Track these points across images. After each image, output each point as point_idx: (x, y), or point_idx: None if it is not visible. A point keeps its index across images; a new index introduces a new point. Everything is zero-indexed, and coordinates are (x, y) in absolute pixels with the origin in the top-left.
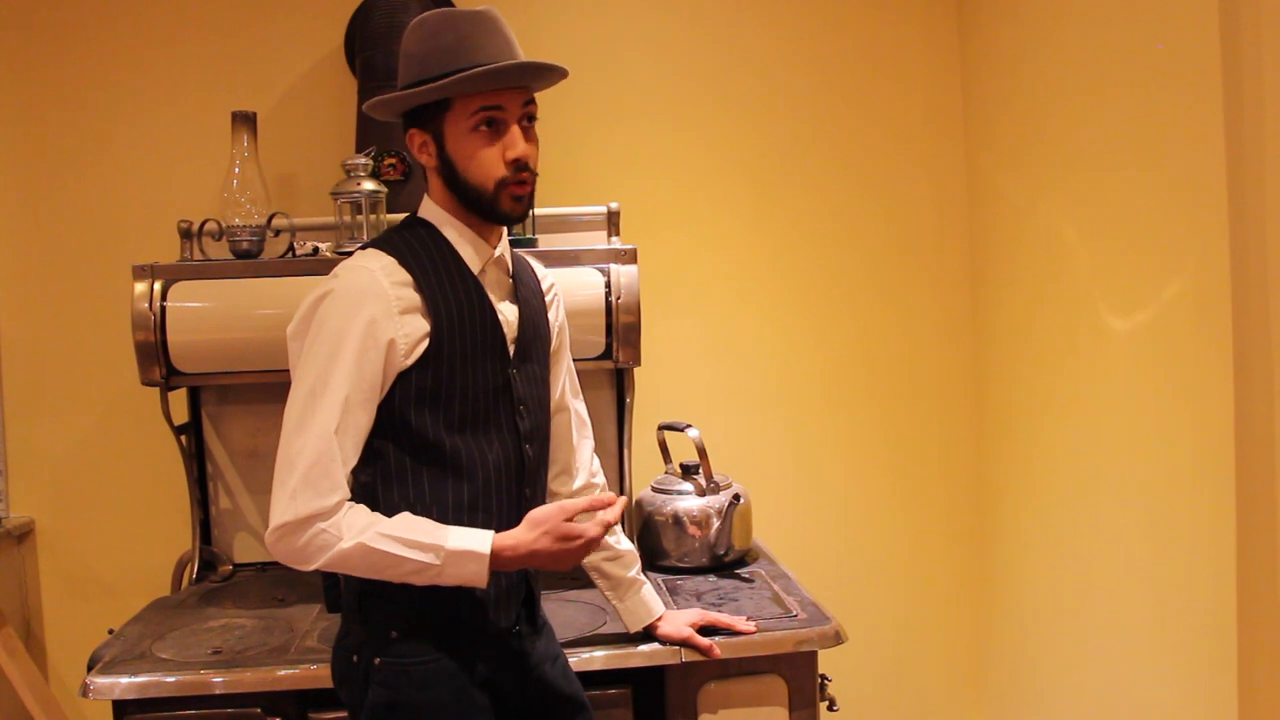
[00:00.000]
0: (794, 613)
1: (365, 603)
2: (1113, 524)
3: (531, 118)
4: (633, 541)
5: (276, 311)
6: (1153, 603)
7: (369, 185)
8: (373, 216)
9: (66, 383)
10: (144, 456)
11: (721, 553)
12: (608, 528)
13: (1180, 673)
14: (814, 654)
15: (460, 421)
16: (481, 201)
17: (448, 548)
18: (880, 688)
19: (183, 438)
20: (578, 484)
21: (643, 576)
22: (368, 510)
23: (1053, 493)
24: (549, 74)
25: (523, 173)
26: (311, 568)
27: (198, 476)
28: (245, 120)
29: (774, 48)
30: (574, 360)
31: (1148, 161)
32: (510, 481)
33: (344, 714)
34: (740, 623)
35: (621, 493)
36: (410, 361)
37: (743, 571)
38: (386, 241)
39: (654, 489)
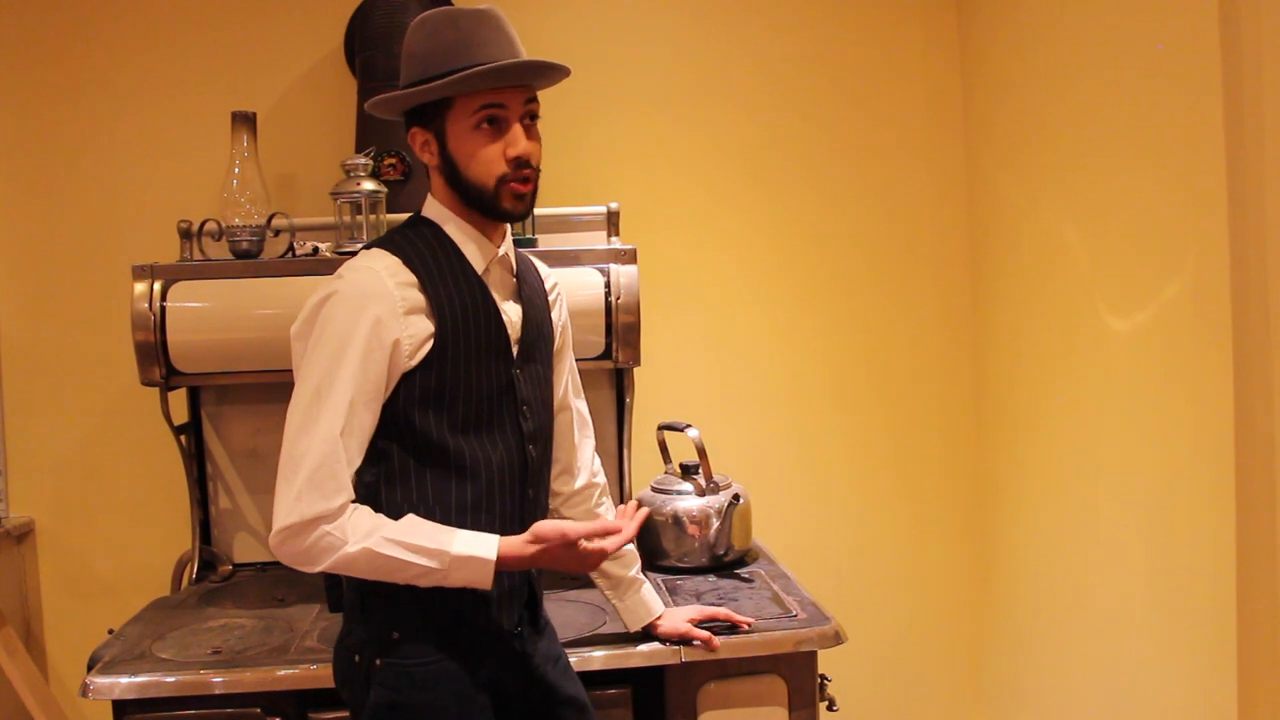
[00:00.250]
0: (793, 613)
1: (367, 603)
2: (1112, 524)
3: (534, 116)
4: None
5: (276, 311)
6: (1153, 602)
7: (369, 185)
8: (372, 216)
9: (66, 383)
10: (144, 456)
11: (721, 553)
12: (617, 548)
13: (1180, 673)
14: (814, 654)
15: (464, 422)
16: (483, 200)
17: (452, 553)
18: (880, 688)
19: (182, 438)
20: (579, 483)
21: (642, 576)
22: (372, 512)
23: (1052, 492)
24: (551, 72)
25: (524, 170)
26: (317, 570)
27: (197, 476)
28: (245, 120)
29: (774, 45)
30: (574, 360)
31: (1147, 160)
32: (514, 482)
33: (344, 714)
34: (738, 616)
35: (621, 492)
36: (415, 362)
37: (742, 571)
38: (390, 241)
39: (654, 489)
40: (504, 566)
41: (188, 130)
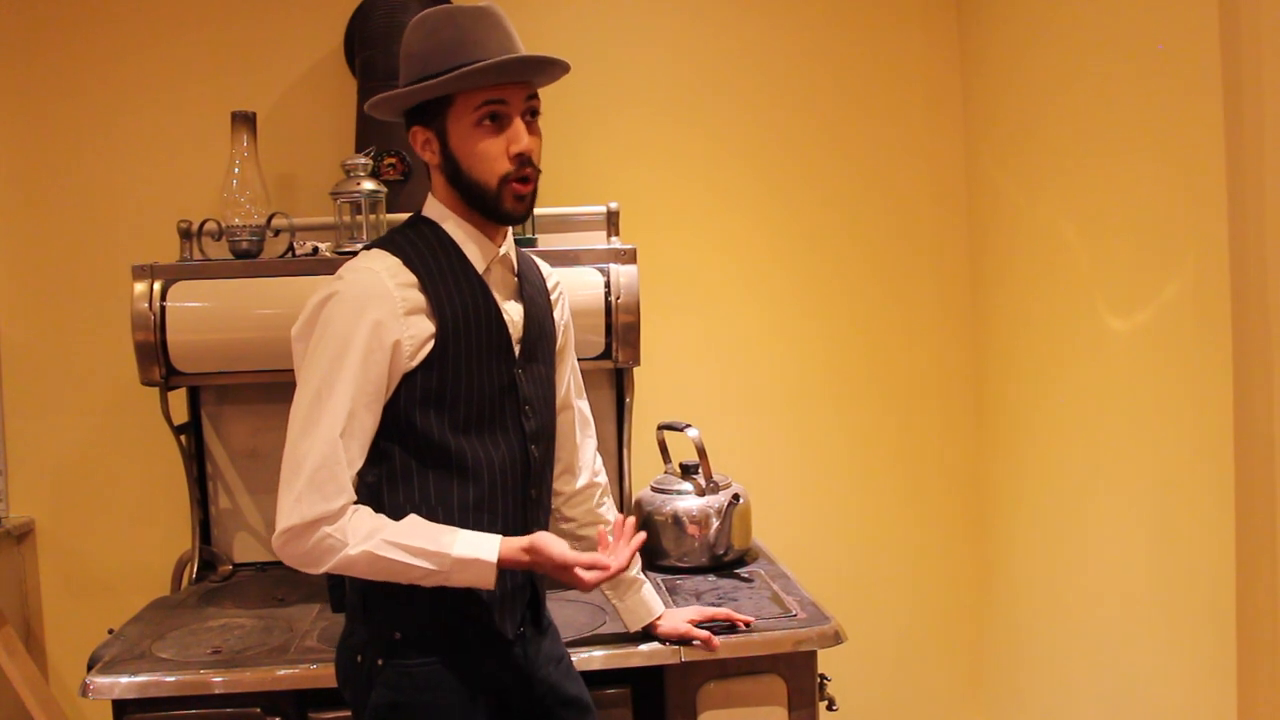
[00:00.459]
0: (793, 612)
1: (369, 603)
2: (1112, 523)
3: (534, 113)
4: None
5: (276, 311)
6: (1152, 602)
7: (369, 185)
8: (372, 216)
9: (66, 383)
10: (144, 456)
11: (721, 552)
12: (612, 576)
13: (1180, 673)
14: (813, 653)
15: (466, 422)
16: (485, 198)
17: (454, 555)
18: (880, 687)
19: (182, 438)
20: (580, 483)
21: (642, 576)
22: (372, 513)
23: (1052, 492)
24: (551, 68)
25: (526, 168)
26: (319, 571)
27: (197, 476)
28: (245, 120)
29: (774, 45)
30: (576, 359)
31: (1147, 159)
32: (516, 482)
33: (344, 713)
34: (739, 615)
35: (621, 492)
36: (415, 363)
37: (742, 571)
38: (391, 241)
39: (653, 489)
40: (504, 566)
41: (188, 130)
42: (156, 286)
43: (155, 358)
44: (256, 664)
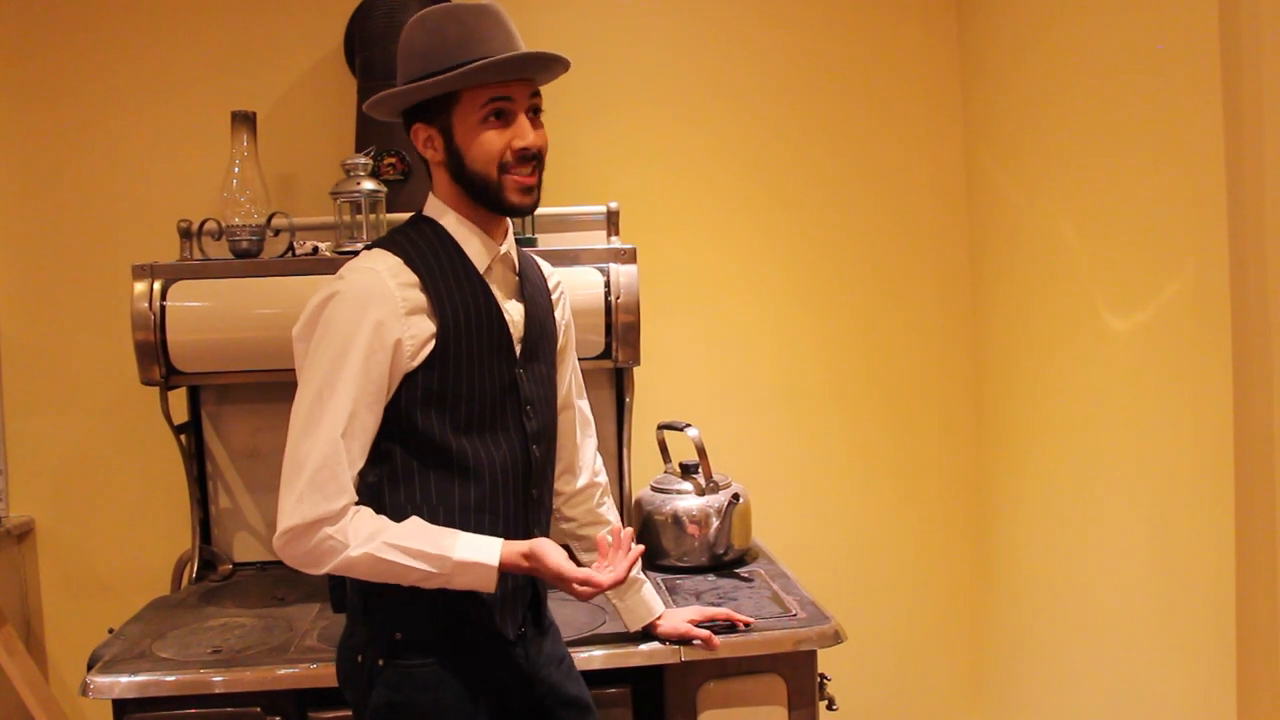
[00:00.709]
0: (793, 612)
1: (370, 604)
2: (1112, 523)
3: (537, 110)
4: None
5: (276, 311)
6: (1152, 602)
7: (369, 185)
8: (372, 216)
9: (66, 382)
10: (144, 456)
11: (721, 552)
12: (610, 587)
13: (1180, 673)
14: (813, 653)
15: (467, 423)
16: (488, 192)
17: (455, 559)
18: (880, 687)
19: (182, 437)
20: (580, 483)
21: (642, 576)
22: (374, 514)
23: (1052, 491)
24: (554, 64)
25: (530, 162)
26: (320, 572)
27: (197, 476)
28: (245, 120)
29: (774, 45)
30: (577, 359)
31: (1147, 159)
32: (517, 482)
33: (344, 713)
34: (739, 615)
35: (621, 492)
36: (416, 363)
37: (742, 571)
38: (392, 241)
39: (653, 488)
40: (504, 569)
41: (188, 130)
42: (156, 286)
43: (155, 357)
44: (257, 663)
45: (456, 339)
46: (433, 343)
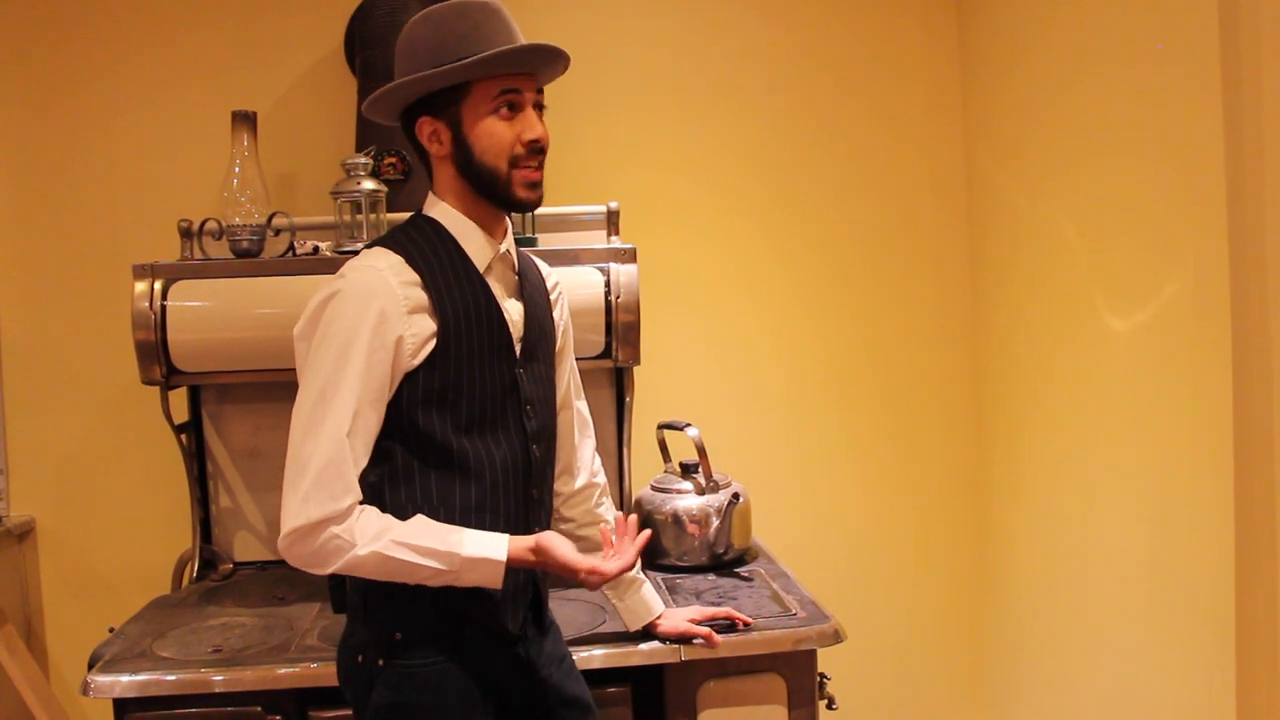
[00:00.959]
0: (793, 611)
1: (370, 603)
2: (1112, 523)
3: (541, 106)
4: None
5: (276, 311)
6: (1152, 601)
7: (369, 184)
8: (372, 216)
9: (67, 382)
10: (144, 455)
11: (721, 551)
12: (618, 573)
13: (1180, 672)
14: (813, 652)
15: (468, 422)
16: (496, 184)
17: (463, 555)
18: (880, 686)
19: (183, 436)
20: (579, 483)
21: (642, 575)
22: (380, 513)
23: (1052, 491)
24: (560, 61)
25: (538, 155)
26: (326, 572)
27: (198, 475)
28: (245, 119)
29: (774, 45)
30: (575, 360)
31: (1147, 160)
32: (518, 482)
33: (344, 712)
34: (739, 615)
35: (621, 491)
36: (417, 361)
37: (742, 570)
38: (393, 240)
39: (653, 488)
40: (511, 565)
41: (188, 129)
42: (157, 286)
43: (156, 357)
44: (257, 663)
45: (457, 338)
46: (433, 341)
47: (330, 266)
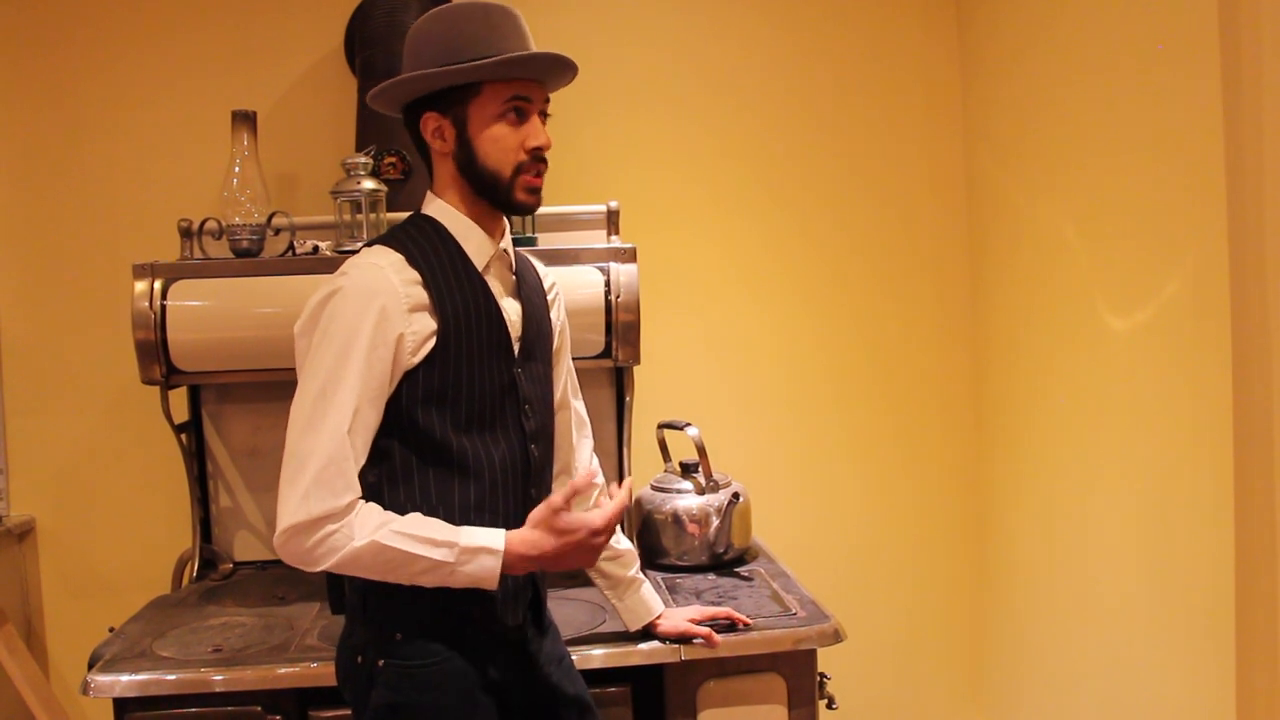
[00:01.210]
0: (793, 611)
1: (369, 603)
2: (1112, 523)
3: (545, 115)
4: (632, 540)
5: (277, 310)
6: (1152, 601)
7: (369, 184)
8: (372, 215)
9: (67, 381)
10: (144, 455)
11: (721, 551)
12: (610, 521)
13: (1179, 672)
14: (813, 652)
15: (467, 421)
16: (497, 188)
17: (462, 544)
18: (880, 686)
19: (183, 436)
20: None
21: (642, 575)
22: (380, 509)
23: (1052, 491)
24: (569, 72)
25: (540, 163)
26: (320, 569)
27: (198, 475)
28: (245, 119)
29: (774, 44)
30: (574, 359)
31: (1147, 159)
32: (516, 482)
33: (344, 712)
34: (739, 614)
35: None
36: (417, 360)
37: (742, 570)
38: (393, 238)
39: (653, 487)
40: (512, 559)
41: (188, 129)
42: (157, 285)
43: (156, 356)
44: (257, 662)
45: (457, 337)
46: (433, 340)
47: (330, 266)
